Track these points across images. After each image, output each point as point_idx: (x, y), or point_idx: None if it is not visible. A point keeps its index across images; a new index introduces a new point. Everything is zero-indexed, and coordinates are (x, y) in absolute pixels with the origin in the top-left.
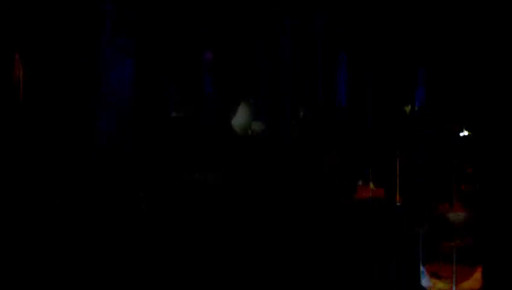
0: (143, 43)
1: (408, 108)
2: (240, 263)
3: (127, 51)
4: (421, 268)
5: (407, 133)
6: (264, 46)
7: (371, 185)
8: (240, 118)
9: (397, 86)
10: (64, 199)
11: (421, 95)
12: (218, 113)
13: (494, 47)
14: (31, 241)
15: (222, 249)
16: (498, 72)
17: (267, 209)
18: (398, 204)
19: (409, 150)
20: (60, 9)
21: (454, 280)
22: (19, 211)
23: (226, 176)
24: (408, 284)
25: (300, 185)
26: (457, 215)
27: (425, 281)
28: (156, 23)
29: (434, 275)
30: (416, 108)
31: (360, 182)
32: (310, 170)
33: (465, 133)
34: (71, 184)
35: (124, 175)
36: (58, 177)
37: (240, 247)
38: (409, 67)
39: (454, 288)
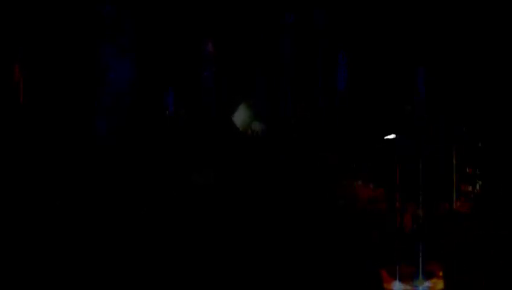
0: (143, 42)
1: (408, 108)
2: (238, 264)
3: (127, 50)
4: (417, 269)
5: (407, 133)
6: (263, 45)
7: (371, 185)
8: (240, 117)
9: (397, 86)
10: (64, 199)
11: (420, 94)
12: (217, 112)
13: (494, 47)
14: (31, 241)
15: (221, 250)
16: (499, 72)
17: (266, 209)
18: (398, 204)
19: (409, 150)
20: (59, 10)
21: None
22: (19, 211)
23: (224, 176)
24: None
25: (300, 185)
26: (457, 215)
27: (422, 282)
28: (156, 22)
29: (433, 275)
30: (416, 108)
31: (360, 182)
32: (310, 170)
33: (390, 136)
34: (71, 184)
35: (123, 176)
36: (58, 177)
37: (239, 248)
38: (409, 67)
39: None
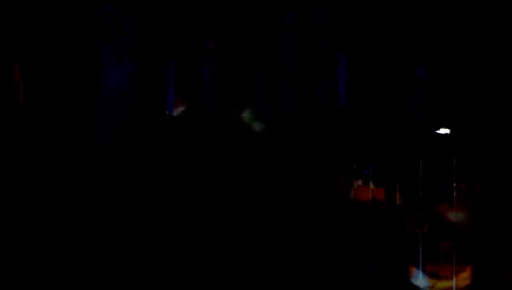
0: (143, 42)
1: (408, 108)
2: (238, 263)
3: (127, 50)
4: (417, 269)
5: (407, 133)
6: (263, 45)
7: (371, 185)
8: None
9: (397, 86)
10: (64, 199)
11: (420, 95)
12: (217, 112)
13: (494, 47)
14: (31, 241)
15: (221, 250)
16: (498, 72)
17: (266, 209)
18: (398, 204)
19: (409, 150)
20: (60, 10)
21: (454, 279)
22: (19, 211)
23: (225, 175)
24: (406, 283)
25: (300, 185)
26: (457, 215)
27: (422, 282)
28: (156, 22)
29: (434, 275)
30: (416, 108)
31: (360, 182)
32: (310, 170)
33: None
34: (71, 184)
35: (123, 176)
36: (58, 177)
37: (239, 247)
38: (409, 67)
39: (454, 287)
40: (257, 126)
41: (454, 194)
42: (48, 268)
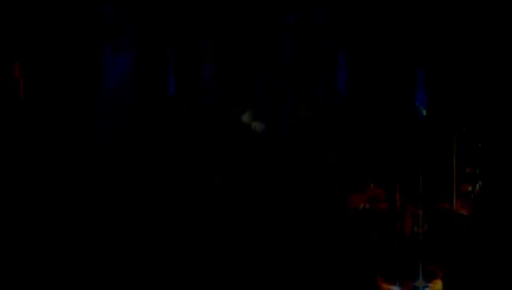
0: (143, 42)
1: (408, 108)
2: (237, 263)
3: (127, 50)
4: (417, 269)
5: (407, 133)
6: (263, 45)
7: (371, 185)
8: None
9: (397, 86)
10: (64, 199)
11: (421, 95)
12: (217, 112)
13: (495, 47)
14: (31, 241)
15: (220, 251)
16: (499, 72)
17: (266, 208)
18: (398, 204)
19: (409, 150)
20: (59, 10)
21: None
22: (19, 211)
23: (224, 175)
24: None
25: (300, 185)
26: (457, 215)
27: (422, 282)
28: (155, 22)
29: (433, 275)
30: (416, 108)
31: (360, 182)
32: (310, 170)
33: None
34: (71, 184)
35: (123, 176)
36: (58, 176)
37: (239, 248)
38: (409, 67)
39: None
40: (257, 126)
41: (454, 194)
42: (48, 268)
